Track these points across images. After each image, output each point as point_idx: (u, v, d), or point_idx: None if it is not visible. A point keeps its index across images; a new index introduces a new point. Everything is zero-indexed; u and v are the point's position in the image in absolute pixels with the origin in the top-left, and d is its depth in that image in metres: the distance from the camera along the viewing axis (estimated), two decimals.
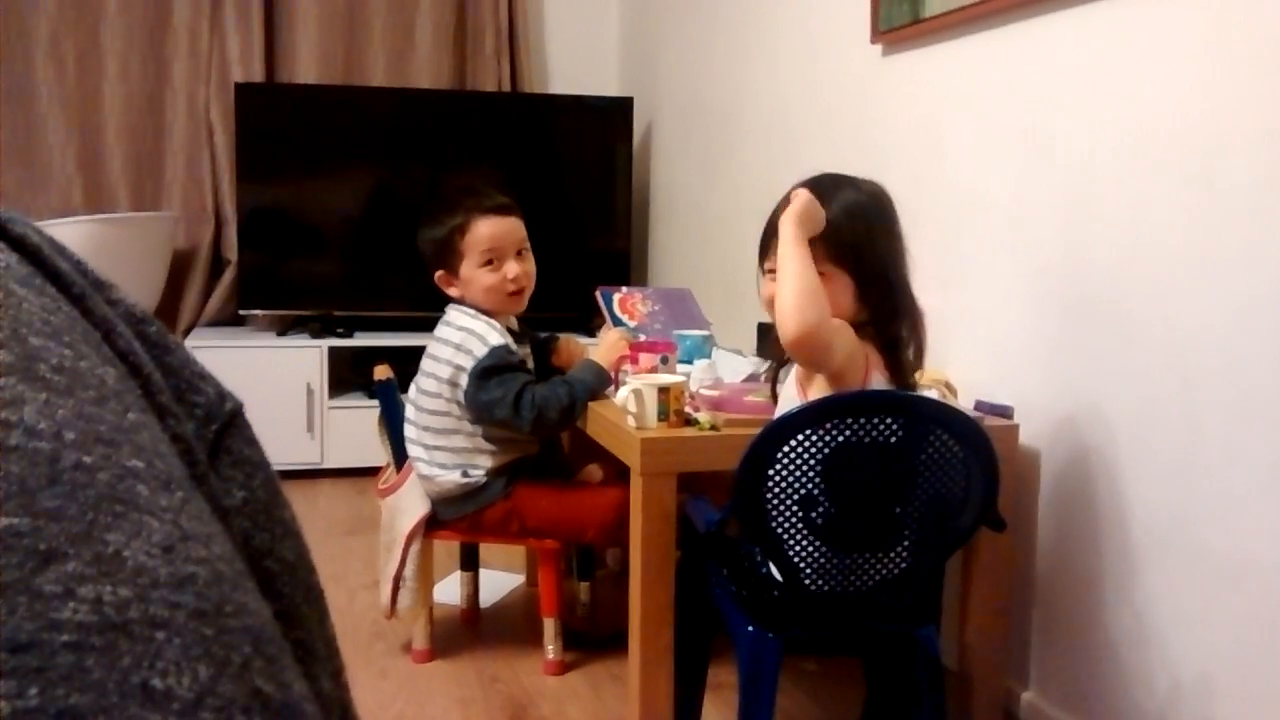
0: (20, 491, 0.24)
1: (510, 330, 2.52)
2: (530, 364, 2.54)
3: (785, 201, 1.84)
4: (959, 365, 2.44)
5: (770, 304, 1.86)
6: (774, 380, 2.03)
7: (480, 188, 2.56)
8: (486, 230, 2.46)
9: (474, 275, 2.46)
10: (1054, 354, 2.21)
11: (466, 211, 2.47)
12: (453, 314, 2.50)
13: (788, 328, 1.70)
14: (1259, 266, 1.75)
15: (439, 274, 2.51)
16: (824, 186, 1.87)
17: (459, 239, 2.46)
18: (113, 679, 0.23)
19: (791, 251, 1.74)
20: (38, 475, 0.25)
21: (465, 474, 2.45)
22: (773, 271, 1.85)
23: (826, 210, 1.82)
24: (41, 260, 0.31)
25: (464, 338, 2.43)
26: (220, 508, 0.31)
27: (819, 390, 1.83)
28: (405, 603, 2.51)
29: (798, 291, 1.70)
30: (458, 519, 2.50)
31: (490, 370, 2.37)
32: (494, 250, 2.46)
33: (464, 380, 2.40)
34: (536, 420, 2.33)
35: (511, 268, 2.46)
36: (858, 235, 1.82)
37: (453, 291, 2.51)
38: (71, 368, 0.27)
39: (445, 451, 2.46)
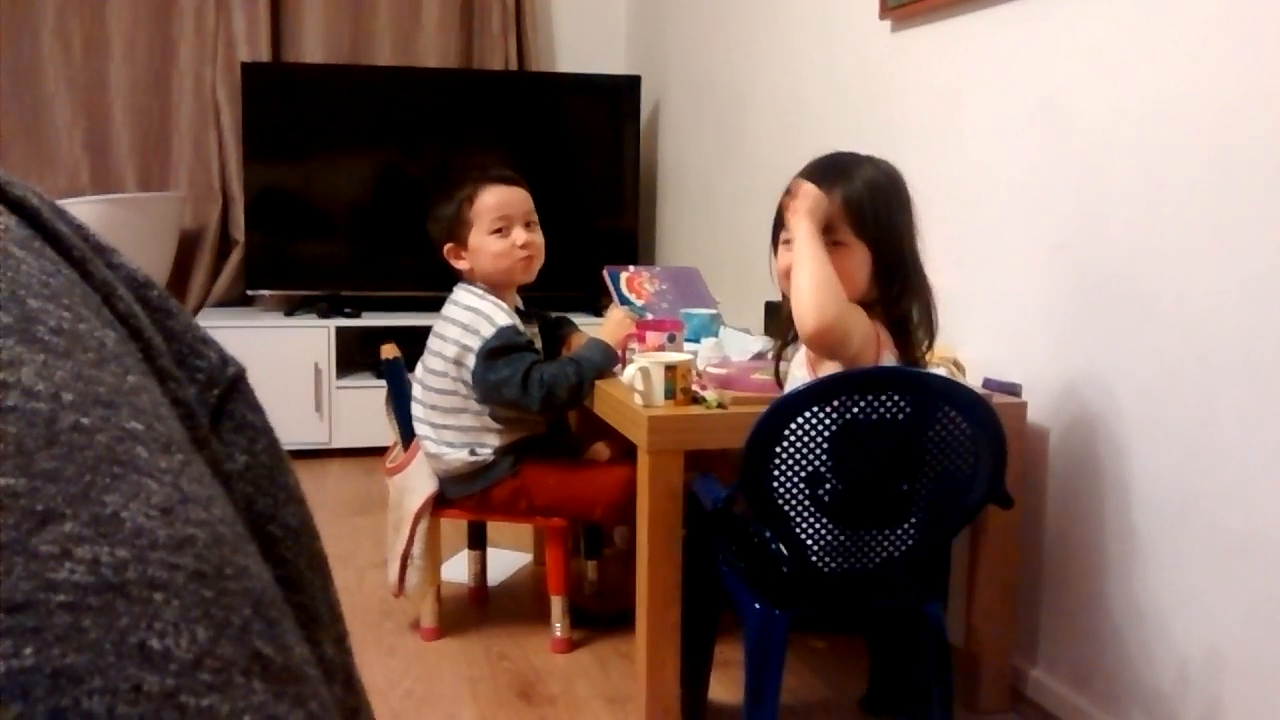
0: (17, 452, 0.24)
1: (517, 310, 2.52)
2: (538, 343, 2.54)
3: (792, 189, 1.84)
4: (970, 343, 2.43)
5: (785, 276, 1.86)
6: (778, 359, 2.03)
7: (487, 163, 2.58)
8: (494, 198, 2.48)
9: (483, 243, 2.47)
10: (1066, 331, 2.20)
11: (474, 182, 2.50)
12: (460, 294, 2.51)
13: (807, 323, 1.72)
14: (1274, 244, 1.74)
15: (448, 247, 2.52)
16: (845, 163, 1.89)
17: (467, 208, 2.48)
18: (110, 639, 0.22)
19: (807, 247, 1.75)
20: (35, 436, 0.24)
21: (473, 452, 2.46)
22: (789, 243, 1.85)
23: (849, 185, 1.83)
24: (41, 223, 0.31)
25: (471, 318, 2.43)
26: (222, 472, 0.31)
27: (829, 370, 1.83)
28: (413, 581, 2.52)
29: (815, 287, 1.72)
30: (465, 497, 2.51)
31: (498, 351, 2.38)
32: (503, 218, 2.48)
33: (470, 360, 2.40)
34: (545, 399, 2.34)
35: (520, 235, 2.49)
36: (878, 211, 1.84)
37: (461, 264, 2.51)
38: (70, 330, 0.27)
39: (453, 430, 2.47)
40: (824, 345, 1.78)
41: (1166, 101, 1.94)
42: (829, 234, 1.81)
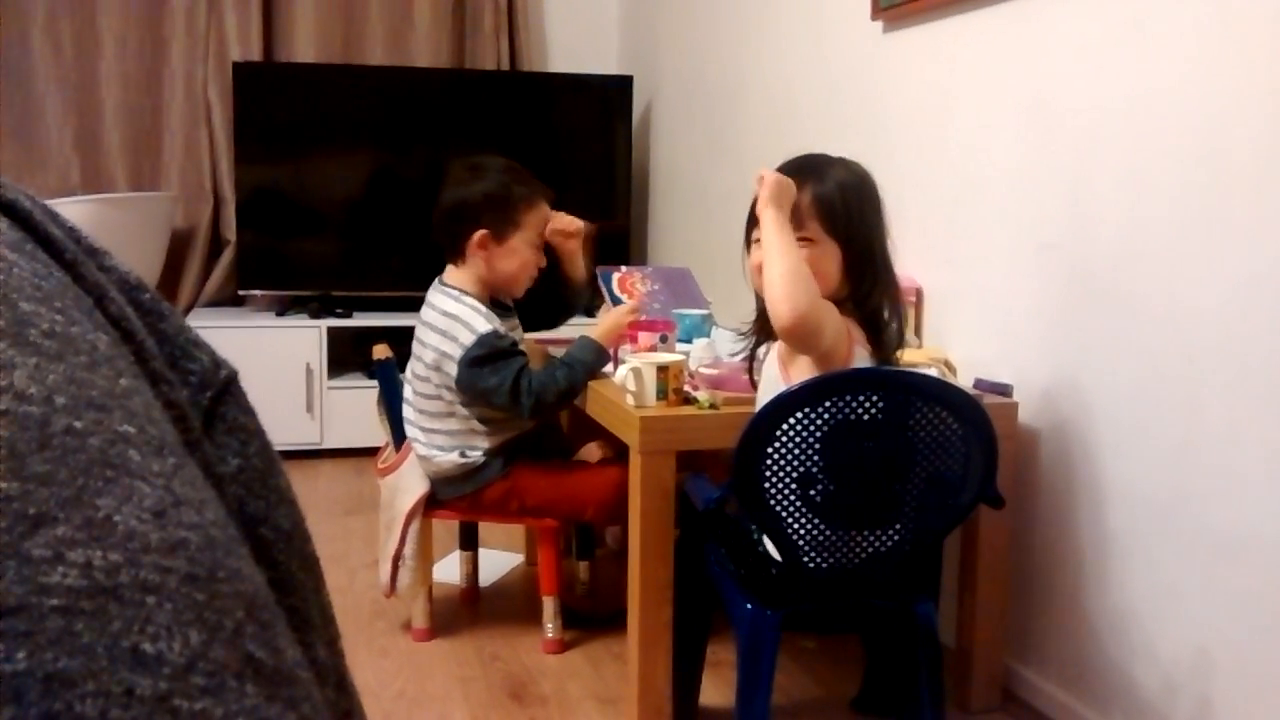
0: (10, 456, 0.24)
1: (498, 304, 2.52)
2: (519, 334, 2.53)
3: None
4: (960, 343, 2.44)
5: (758, 272, 1.85)
6: (751, 358, 2.03)
7: (522, 169, 2.57)
8: (544, 215, 2.51)
9: (522, 249, 2.47)
10: (1055, 331, 2.21)
11: (530, 189, 2.50)
12: (437, 298, 2.48)
13: (781, 314, 1.70)
14: (1262, 244, 1.75)
15: (481, 234, 2.44)
16: (815, 163, 1.89)
17: (526, 211, 2.47)
18: (102, 643, 0.22)
19: (776, 237, 1.74)
20: (28, 440, 0.24)
21: (463, 455, 2.45)
22: (760, 241, 1.85)
23: (820, 184, 1.84)
24: (33, 226, 0.31)
25: (449, 324, 2.41)
26: (214, 475, 0.31)
27: (802, 368, 1.83)
28: (405, 581, 2.51)
29: (787, 277, 1.71)
30: (457, 498, 2.50)
31: (482, 359, 2.36)
32: (541, 235, 2.51)
33: (449, 366, 2.39)
34: (535, 407, 2.34)
35: (540, 254, 2.51)
36: (849, 209, 1.84)
37: (482, 254, 2.46)
38: (63, 333, 0.27)
39: (441, 434, 2.46)
40: (798, 336, 1.76)
41: (1154, 102, 1.95)
42: (799, 232, 1.81)
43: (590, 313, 3.91)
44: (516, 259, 2.46)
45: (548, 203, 2.52)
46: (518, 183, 2.49)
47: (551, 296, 2.65)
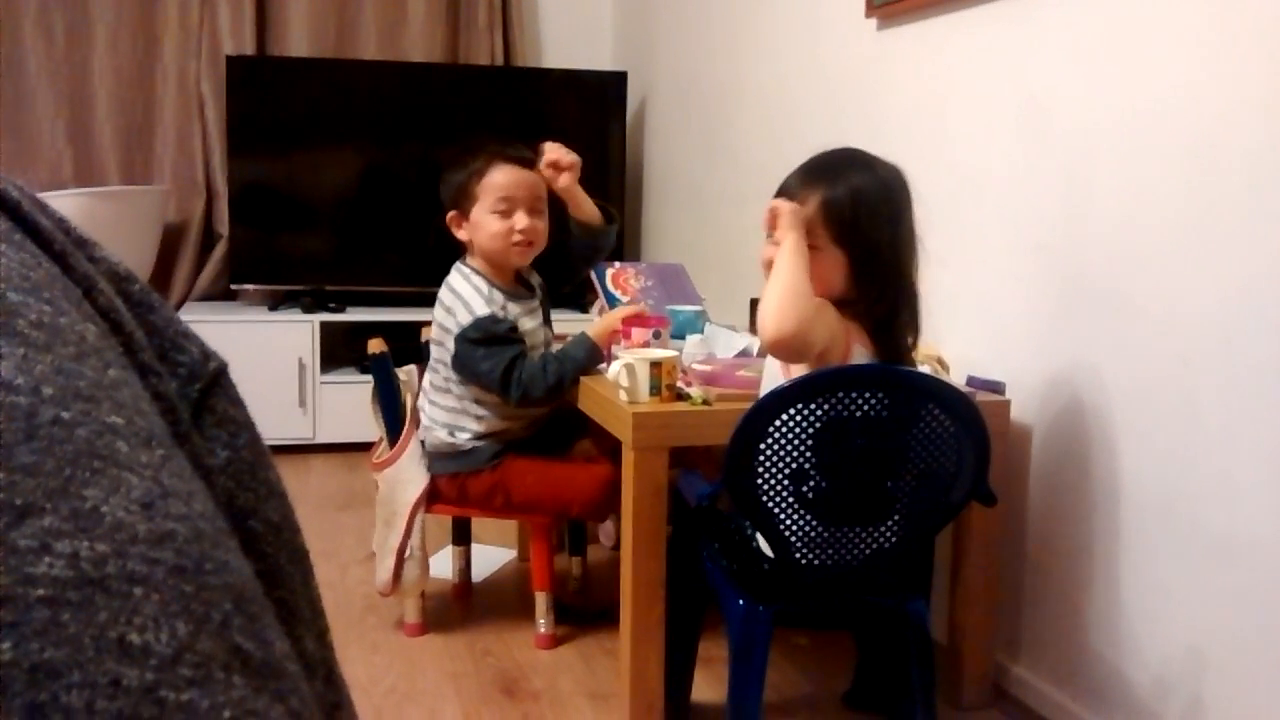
0: None
1: (521, 281, 2.54)
2: (534, 322, 2.52)
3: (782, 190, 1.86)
4: (953, 341, 2.44)
5: (766, 267, 1.86)
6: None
7: (508, 141, 2.55)
8: (502, 178, 2.46)
9: (483, 220, 2.45)
10: (1049, 330, 2.21)
11: (488, 157, 2.48)
12: (452, 274, 2.51)
13: (766, 330, 1.76)
14: (1257, 245, 1.75)
15: (451, 215, 2.49)
16: (838, 165, 1.89)
17: (475, 181, 2.46)
18: (89, 634, 0.22)
19: (787, 259, 1.77)
20: (14, 430, 0.24)
21: (451, 434, 2.48)
22: (771, 235, 1.86)
23: (831, 189, 1.84)
24: (21, 216, 0.30)
25: (453, 301, 2.45)
26: (203, 467, 0.31)
27: (800, 366, 1.84)
28: (412, 575, 2.49)
29: (781, 295, 1.75)
30: (449, 484, 2.50)
31: (476, 341, 2.38)
32: (507, 199, 2.45)
33: (447, 341, 2.44)
34: (523, 397, 2.36)
35: (521, 219, 2.45)
36: (858, 216, 1.83)
37: (461, 234, 2.49)
38: (51, 324, 0.27)
39: (440, 409, 2.50)
40: (780, 353, 1.82)
41: (1150, 103, 1.95)
42: (806, 236, 1.82)
43: (584, 309, 3.91)
44: (482, 230, 2.45)
45: (510, 164, 2.47)
46: (471, 159, 2.49)
47: (565, 245, 2.64)
